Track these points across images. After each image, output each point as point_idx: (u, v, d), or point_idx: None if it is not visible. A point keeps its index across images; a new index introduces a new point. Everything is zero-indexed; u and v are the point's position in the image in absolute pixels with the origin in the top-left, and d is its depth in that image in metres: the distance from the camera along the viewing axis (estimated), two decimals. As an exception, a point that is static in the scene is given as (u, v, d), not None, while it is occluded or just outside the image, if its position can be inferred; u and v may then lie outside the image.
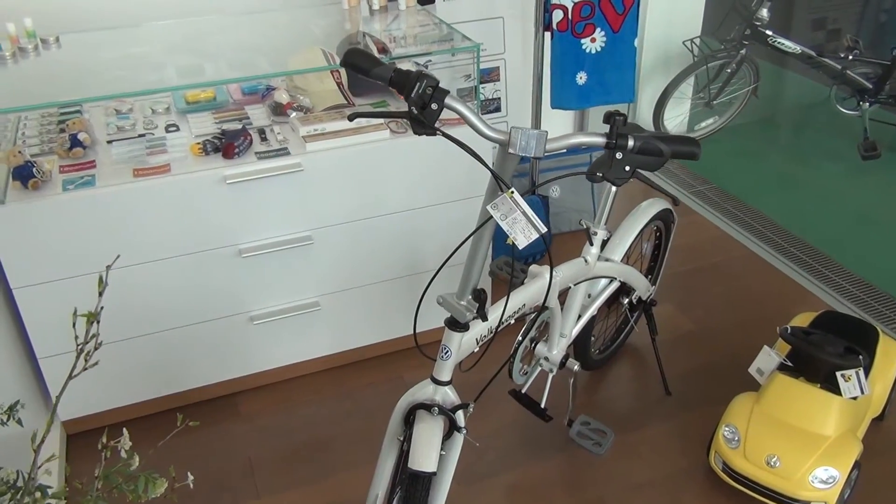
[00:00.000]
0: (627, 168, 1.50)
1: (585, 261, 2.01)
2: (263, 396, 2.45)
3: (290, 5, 2.77)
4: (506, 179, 1.46)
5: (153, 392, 2.30)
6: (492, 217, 1.44)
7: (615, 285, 2.23)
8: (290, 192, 2.17)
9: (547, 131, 1.42)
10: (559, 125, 3.55)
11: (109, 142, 2.23)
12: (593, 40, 2.74)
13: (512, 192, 1.42)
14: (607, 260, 2.14)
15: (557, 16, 2.68)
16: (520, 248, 1.42)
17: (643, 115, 3.88)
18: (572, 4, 2.66)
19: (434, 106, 1.42)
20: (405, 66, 2.44)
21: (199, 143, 2.15)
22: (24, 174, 2.00)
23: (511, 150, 1.41)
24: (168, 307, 2.18)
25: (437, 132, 1.44)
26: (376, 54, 2.56)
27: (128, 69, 2.42)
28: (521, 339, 2.10)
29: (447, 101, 1.43)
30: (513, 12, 3.03)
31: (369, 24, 2.65)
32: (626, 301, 2.37)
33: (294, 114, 2.33)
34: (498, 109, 3.17)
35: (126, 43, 2.52)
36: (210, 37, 2.58)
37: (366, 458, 2.23)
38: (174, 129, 2.30)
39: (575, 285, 2.08)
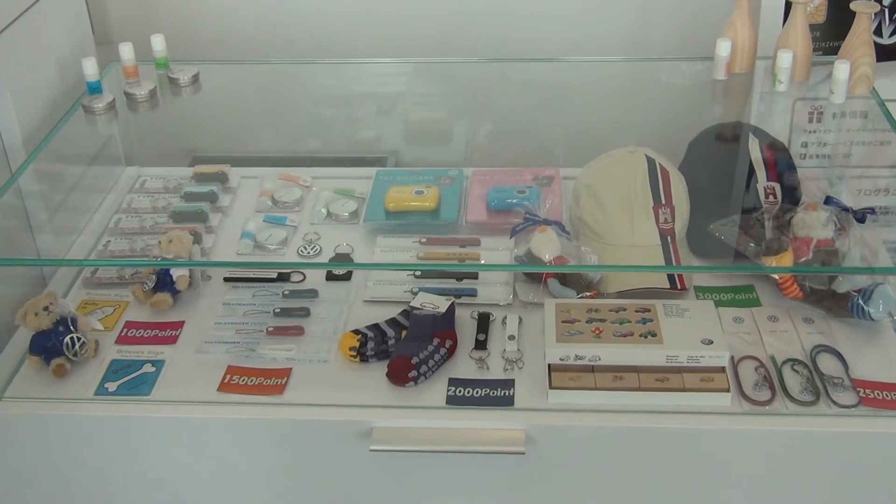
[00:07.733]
0: None
1: None
2: None
3: (624, 45, 1.66)
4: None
5: None
6: None
7: None
8: (495, 470, 1.12)
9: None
10: None
11: (228, 279, 1.30)
12: None
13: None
14: None
15: None
16: None
17: None
18: None
19: None
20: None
21: (357, 339, 1.15)
22: (49, 348, 1.13)
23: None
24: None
25: None
26: (762, 162, 1.37)
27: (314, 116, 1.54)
28: None
29: None
30: None
31: (761, 110, 1.47)
32: None
33: (557, 291, 1.23)
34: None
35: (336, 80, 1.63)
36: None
37: None
38: (343, 275, 1.31)
39: None
